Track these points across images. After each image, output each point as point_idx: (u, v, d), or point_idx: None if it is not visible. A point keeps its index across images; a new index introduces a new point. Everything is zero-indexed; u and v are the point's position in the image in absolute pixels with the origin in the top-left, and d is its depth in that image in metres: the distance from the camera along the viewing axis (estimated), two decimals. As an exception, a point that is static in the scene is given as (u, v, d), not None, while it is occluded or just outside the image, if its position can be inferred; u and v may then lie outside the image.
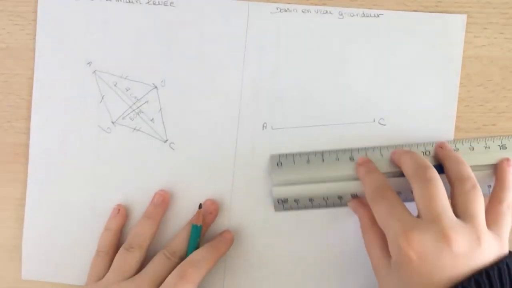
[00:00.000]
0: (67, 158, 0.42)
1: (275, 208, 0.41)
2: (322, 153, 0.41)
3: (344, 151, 0.41)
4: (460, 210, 0.35)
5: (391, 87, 0.42)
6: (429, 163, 0.37)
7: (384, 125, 0.42)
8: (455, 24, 0.41)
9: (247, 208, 0.42)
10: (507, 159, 0.40)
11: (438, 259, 0.32)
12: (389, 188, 0.37)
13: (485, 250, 0.33)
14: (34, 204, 0.42)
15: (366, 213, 0.39)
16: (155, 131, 0.42)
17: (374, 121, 0.42)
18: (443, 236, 0.33)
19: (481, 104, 0.42)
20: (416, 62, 0.42)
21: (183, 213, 0.42)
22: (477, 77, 0.42)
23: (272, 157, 0.41)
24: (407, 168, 0.37)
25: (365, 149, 0.41)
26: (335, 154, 0.41)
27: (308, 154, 0.41)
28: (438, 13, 0.41)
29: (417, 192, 0.35)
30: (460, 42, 0.41)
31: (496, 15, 0.41)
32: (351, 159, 0.41)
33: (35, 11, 0.42)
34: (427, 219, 0.34)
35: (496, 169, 0.40)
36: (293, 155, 0.41)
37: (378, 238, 0.37)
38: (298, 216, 0.42)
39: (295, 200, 0.41)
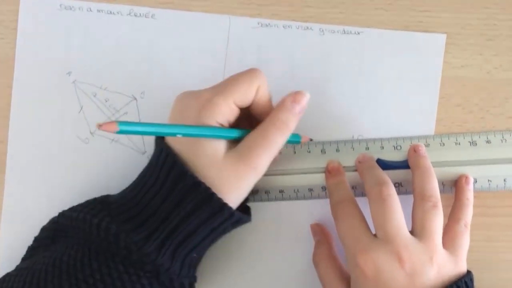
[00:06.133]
0: (44, 168, 0.42)
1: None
2: (294, 145, 0.41)
3: (315, 143, 0.41)
4: (417, 228, 0.36)
5: (370, 104, 0.42)
6: (387, 179, 0.37)
7: (362, 142, 0.42)
8: (435, 43, 0.42)
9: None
10: (466, 177, 0.40)
11: (392, 278, 0.33)
12: (351, 204, 0.37)
13: (440, 270, 0.34)
14: (10, 214, 0.42)
15: (325, 243, 0.39)
16: (134, 143, 0.42)
17: (353, 137, 0.42)
18: (396, 256, 0.34)
19: (459, 124, 0.42)
20: (395, 81, 0.42)
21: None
22: (455, 97, 0.42)
23: None
24: (366, 185, 0.38)
25: (337, 142, 0.41)
26: (307, 147, 0.41)
27: None
28: (418, 32, 0.42)
29: (372, 211, 0.36)
30: (439, 62, 0.42)
31: (475, 36, 0.41)
32: (323, 151, 0.41)
33: (16, 20, 0.42)
34: (382, 239, 0.35)
35: (455, 187, 0.40)
36: None
37: (336, 268, 0.38)
38: (278, 234, 0.42)
39: (266, 192, 0.41)
